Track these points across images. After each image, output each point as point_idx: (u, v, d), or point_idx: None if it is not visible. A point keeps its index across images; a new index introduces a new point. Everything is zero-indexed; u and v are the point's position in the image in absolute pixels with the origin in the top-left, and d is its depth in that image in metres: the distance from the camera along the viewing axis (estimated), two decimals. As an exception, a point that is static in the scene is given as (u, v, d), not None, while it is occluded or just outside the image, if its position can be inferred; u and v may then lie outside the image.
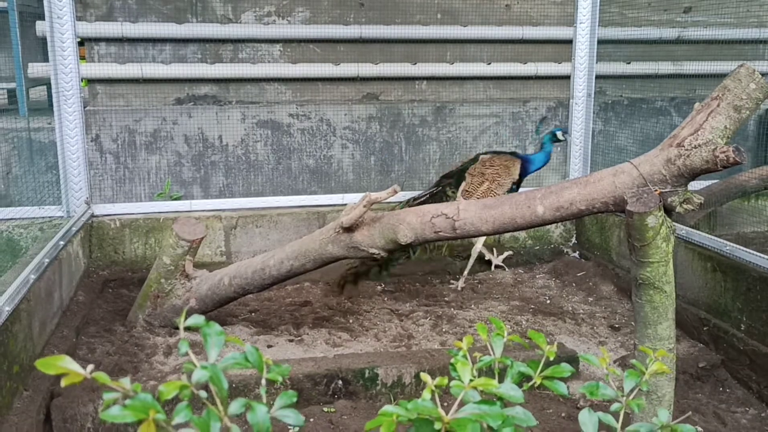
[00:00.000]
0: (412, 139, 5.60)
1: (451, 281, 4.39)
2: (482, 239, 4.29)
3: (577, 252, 4.83)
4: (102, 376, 0.84)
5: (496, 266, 4.61)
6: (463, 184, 4.25)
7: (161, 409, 0.87)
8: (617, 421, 1.26)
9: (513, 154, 4.38)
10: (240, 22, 5.28)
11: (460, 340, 1.35)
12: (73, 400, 2.60)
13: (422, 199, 4.29)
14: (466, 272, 4.32)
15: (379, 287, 4.26)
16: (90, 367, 0.84)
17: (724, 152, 2.26)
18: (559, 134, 4.36)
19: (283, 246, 3.44)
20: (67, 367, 0.82)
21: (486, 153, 4.41)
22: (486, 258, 4.62)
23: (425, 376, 1.17)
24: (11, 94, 6.42)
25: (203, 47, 5.27)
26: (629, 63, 5.85)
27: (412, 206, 4.26)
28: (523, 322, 3.75)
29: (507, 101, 5.77)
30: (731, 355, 3.27)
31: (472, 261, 4.34)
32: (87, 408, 2.58)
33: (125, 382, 0.85)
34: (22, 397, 2.58)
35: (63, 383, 0.82)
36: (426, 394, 1.15)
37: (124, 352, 3.21)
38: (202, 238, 3.46)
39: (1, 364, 2.47)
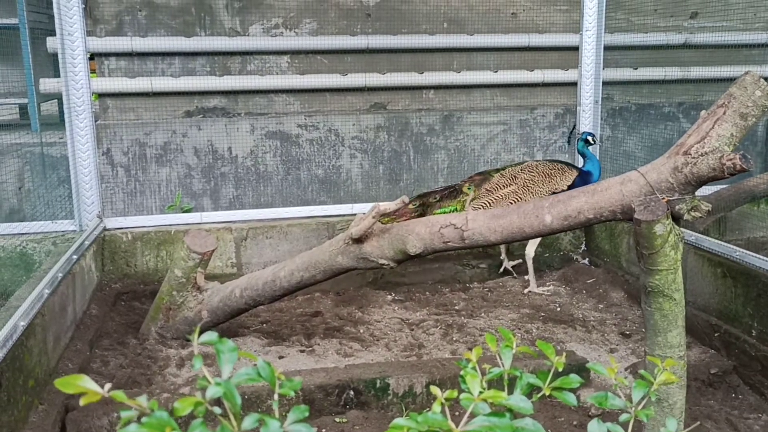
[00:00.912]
0: (420, 147, 5.62)
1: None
2: (535, 243, 4.29)
3: (587, 259, 4.82)
4: (119, 395, 0.86)
5: (505, 270, 4.61)
6: (486, 183, 4.24)
7: (177, 426, 0.89)
8: (626, 431, 1.27)
9: (571, 165, 4.37)
10: (248, 35, 5.33)
11: (471, 349, 1.37)
12: (88, 413, 2.62)
13: (438, 190, 4.36)
14: (531, 276, 4.35)
15: (389, 296, 4.28)
16: (108, 385, 0.86)
17: (730, 160, 2.26)
18: (590, 138, 4.39)
19: (293, 257, 3.47)
20: (85, 386, 0.84)
21: (537, 160, 4.42)
22: (501, 257, 4.61)
23: (435, 389, 1.18)
24: (23, 109, 6.49)
25: (212, 60, 5.32)
26: (636, 69, 5.86)
27: (424, 197, 4.30)
28: (534, 330, 3.75)
29: (514, 109, 5.79)
30: (743, 361, 3.26)
31: (530, 265, 4.34)
32: (101, 421, 2.61)
33: (142, 399, 0.87)
34: (37, 411, 2.61)
35: (81, 402, 0.84)
36: (436, 407, 1.16)
37: (138, 365, 3.24)
38: (213, 251, 3.49)
39: (17, 379, 2.50)
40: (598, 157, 4.59)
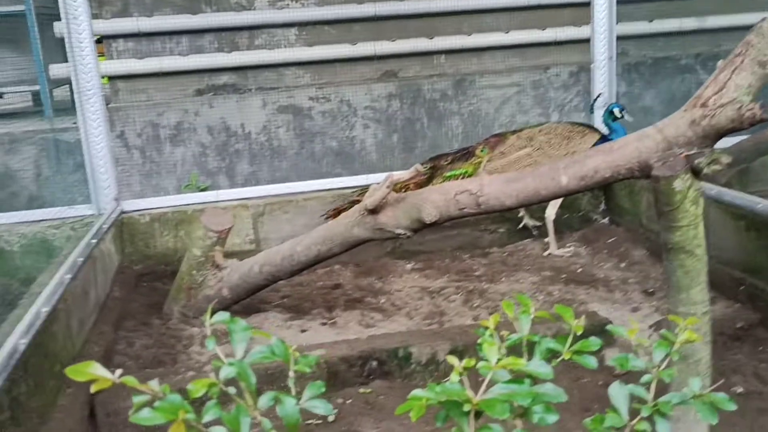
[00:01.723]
0: (434, 114, 5.55)
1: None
2: (556, 204, 4.20)
3: (607, 218, 4.77)
4: (130, 380, 0.86)
5: (524, 226, 4.54)
6: (501, 145, 4.17)
7: (191, 409, 0.88)
8: (648, 392, 1.25)
9: (593, 128, 4.25)
10: (254, 9, 5.27)
11: (493, 314, 1.35)
12: (116, 395, 2.65)
13: (450, 153, 4.31)
14: (551, 238, 4.29)
15: (408, 265, 4.27)
16: (118, 371, 0.85)
17: (750, 110, 2.20)
18: (616, 111, 4.26)
19: (310, 231, 3.46)
20: (95, 373, 0.84)
21: (558, 122, 4.31)
22: (520, 215, 4.55)
23: (452, 359, 1.17)
24: (36, 96, 6.51)
25: (219, 36, 5.27)
26: (651, 21, 5.72)
27: (436, 159, 4.26)
28: (555, 292, 3.72)
29: (527, 69, 5.69)
30: (769, 314, 3.22)
31: (550, 227, 4.28)
32: (128, 402, 2.61)
33: (154, 384, 0.86)
34: (65, 394, 2.65)
35: (92, 389, 0.84)
36: (454, 377, 1.15)
37: (162, 344, 3.27)
38: (230, 228, 3.50)
39: (44, 364, 2.53)
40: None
